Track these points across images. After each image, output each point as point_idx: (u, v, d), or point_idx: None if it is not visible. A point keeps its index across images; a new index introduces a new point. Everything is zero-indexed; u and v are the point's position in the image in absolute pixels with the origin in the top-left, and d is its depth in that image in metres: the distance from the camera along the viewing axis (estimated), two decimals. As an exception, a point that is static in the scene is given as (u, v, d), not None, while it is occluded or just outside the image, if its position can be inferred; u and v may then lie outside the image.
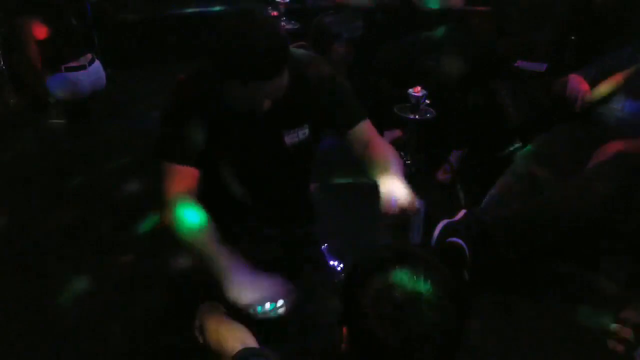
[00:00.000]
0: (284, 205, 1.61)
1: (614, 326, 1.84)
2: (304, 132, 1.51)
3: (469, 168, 2.79)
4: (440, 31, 3.04)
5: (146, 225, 2.52)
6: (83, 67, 3.29)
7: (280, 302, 1.26)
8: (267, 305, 1.26)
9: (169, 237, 2.24)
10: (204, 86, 1.42)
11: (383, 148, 1.54)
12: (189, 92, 1.43)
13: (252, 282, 1.27)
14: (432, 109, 2.37)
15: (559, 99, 2.28)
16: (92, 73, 3.35)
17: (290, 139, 1.49)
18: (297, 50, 1.56)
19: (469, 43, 2.86)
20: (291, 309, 1.28)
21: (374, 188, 1.50)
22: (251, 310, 1.25)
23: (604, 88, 2.19)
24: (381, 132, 3.09)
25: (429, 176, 2.78)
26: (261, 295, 1.26)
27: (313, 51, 3.69)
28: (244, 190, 1.54)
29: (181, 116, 1.41)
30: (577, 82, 2.20)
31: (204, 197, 1.44)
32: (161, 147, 1.42)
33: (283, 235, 1.63)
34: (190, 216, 1.37)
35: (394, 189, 1.40)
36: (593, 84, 2.20)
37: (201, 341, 1.39)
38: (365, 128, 1.56)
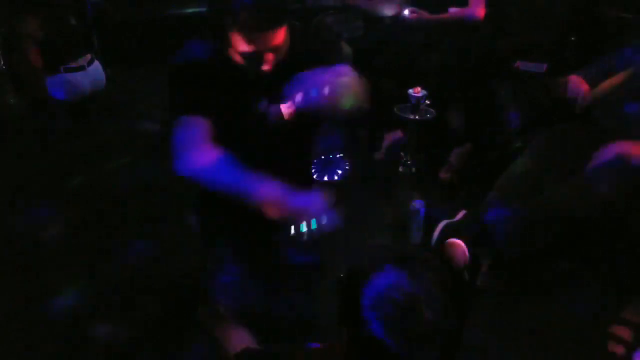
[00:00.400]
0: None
1: (613, 327, 1.84)
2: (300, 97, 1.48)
3: (469, 168, 2.79)
4: (440, 31, 3.04)
5: (147, 225, 2.52)
6: (82, 68, 3.29)
7: (323, 218, 1.21)
8: (310, 223, 1.19)
9: (169, 237, 2.25)
10: (206, 51, 1.44)
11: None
12: (192, 55, 1.46)
13: (286, 196, 1.23)
14: (432, 109, 2.37)
15: (559, 99, 2.28)
16: (92, 74, 3.35)
17: (286, 108, 1.47)
18: (299, 27, 1.55)
19: (469, 43, 2.85)
20: (337, 226, 1.22)
21: (374, 188, 1.49)
22: (293, 230, 1.21)
23: (604, 89, 2.18)
24: (382, 133, 3.10)
25: (429, 176, 2.78)
26: (300, 208, 1.22)
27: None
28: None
29: (186, 77, 1.44)
30: (577, 83, 2.20)
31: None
32: (173, 107, 1.43)
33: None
34: (204, 155, 1.35)
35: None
36: (593, 84, 2.20)
37: (202, 341, 1.39)
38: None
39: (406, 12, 2.95)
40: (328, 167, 1.39)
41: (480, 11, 2.82)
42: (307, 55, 1.47)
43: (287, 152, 1.55)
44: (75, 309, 2.06)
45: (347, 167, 1.34)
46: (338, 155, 1.39)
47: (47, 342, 1.89)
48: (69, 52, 3.25)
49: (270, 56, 1.34)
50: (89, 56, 3.34)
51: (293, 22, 1.42)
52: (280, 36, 1.32)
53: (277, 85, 1.42)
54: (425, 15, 2.94)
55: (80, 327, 1.96)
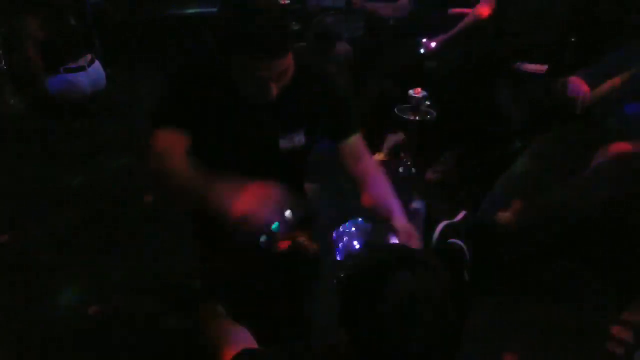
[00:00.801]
0: None
1: (614, 327, 1.84)
2: (299, 139, 1.47)
3: (469, 169, 2.79)
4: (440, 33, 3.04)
5: (147, 225, 2.52)
6: (82, 68, 3.30)
7: (287, 213, 1.18)
8: (271, 224, 1.15)
9: (170, 238, 2.26)
10: (207, 70, 1.41)
11: (378, 177, 1.53)
12: (191, 73, 1.43)
13: (244, 191, 1.21)
14: (432, 110, 2.37)
15: (559, 100, 2.28)
16: (92, 74, 3.36)
17: (284, 143, 1.46)
18: (303, 50, 1.55)
19: (470, 44, 2.86)
20: (300, 216, 1.19)
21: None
22: (259, 236, 1.18)
23: (604, 89, 2.19)
24: (383, 134, 3.11)
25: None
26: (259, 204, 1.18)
27: (313, 51, 3.72)
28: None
29: (178, 94, 1.40)
30: (577, 84, 2.20)
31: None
32: (154, 118, 1.40)
33: None
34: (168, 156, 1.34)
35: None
36: (593, 85, 2.20)
37: (201, 342, 1.39)
38: (357, 142, 1.55)
39: (427, 45, 2.98)
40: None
41: (485, 11, 2.83)
42: (308, 82, 1.45)
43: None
44: (75, 308, 2.06)
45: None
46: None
47: (48, 342, 1.90)
48: (69, 53, 3.26)
49: (275, 84, 1.31)
50: (89, 56, 3.35)
51: (298, 46, 1.41)
52: (285, 63, 1.30)
53: (279, 111, 1.41)
54: (441, 39, 2.97)
55: (80, 327, 1.97)
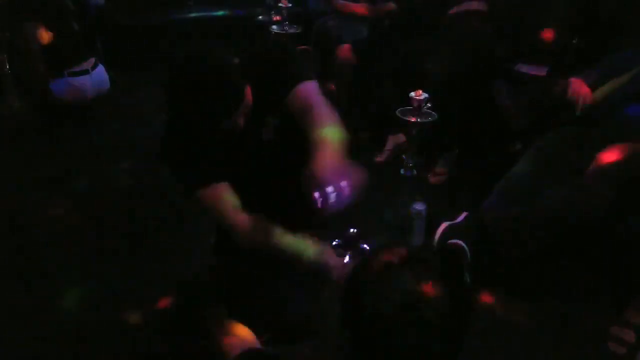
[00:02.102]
0: (283, 208, 1.59)
1: (615, 328, 1.84)
2: (275, 122, 1.53)
3: (470, 170, 2.79)
4: (440, 34, 3.05)
5: (149, 227, 2.53)
6: (86, 72, 3.30)
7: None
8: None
9: (173, 240, 2.26)
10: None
11: (324, 116, 1.39)
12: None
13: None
14: (433, 112, 2.38)
15: (559, 101, 2.28)
16: (96, 77, 3.36)
17: (266, 135, 1.53)
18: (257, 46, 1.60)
19: (470, 46, 2.86)
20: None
21: (373, 191, 1.49)
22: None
23: (605, 91, 2.19)
24: (385, 136, 3.11)
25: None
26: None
27: (315, 55, 3.72)
28: (247, 203, 1.55)
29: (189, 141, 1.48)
30: (578, 85, 2.20)
31: None
32: (191, 180, 1.50)
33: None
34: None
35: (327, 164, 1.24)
36: (594, 87, 2.20)
37: (204, 342, 1.40)
38: (305, 89, 1.44)
39: None
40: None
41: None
42: (268, 71, 1.50)
43: (278, 182, 1.59)
44: (78, 310, 2.07)
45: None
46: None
47: (50, 342, 1.90)
48: (73, 56, 3.27)
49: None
50: (92, 60, 3.35)
51: (304, 49, 1.44)
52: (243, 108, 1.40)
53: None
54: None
55: (82, 328, 1.97)
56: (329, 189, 1.18)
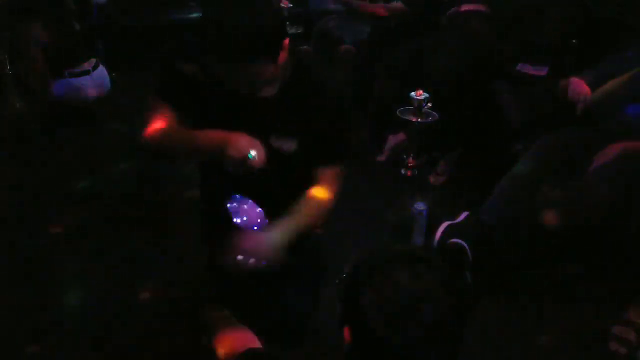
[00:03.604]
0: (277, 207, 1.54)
1: (616, 327, 1.84)
2: (289, 145, 1.44)
3: (470, 170, 2.80)
4: (441, 34, 3.05)
5: (152, 228, 2.53)
6: (87, 73, 3.30)
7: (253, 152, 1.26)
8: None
9: (175, 240, 2.27)
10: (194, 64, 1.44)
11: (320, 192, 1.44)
12: (179, 68, 1.47)
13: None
14: (434, 112, 2.38)
15: (560, 101, 2.28)
16: (97, 78, 3.36)
17: (276, 143, 1.43)
18: (312, 57, 1.54)
19: (469, 45, 2.86)
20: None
21: (374, 191, 1.49)
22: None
23: (605, 90, 2.19)
24: (385, 136, 3.11)
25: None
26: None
27: (316, 54, 3.72)
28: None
29: (177, 78, 1.46)
30: (578, 85, 2.20)
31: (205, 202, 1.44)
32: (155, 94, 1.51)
33: None
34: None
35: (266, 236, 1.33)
36: (594, 86, 2.20)
37: (204, 342, 1.40)
38: (329, 173, 1.47)
39: None
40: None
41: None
42: (307, 90, 1.42)
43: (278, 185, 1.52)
44: (78, 310, 2.07)
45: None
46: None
47: (51, 342, 1.91)
48: (74, 57, 3.27)
49: (260, 85, 1.32)
50: (93, 60, 3.36)
51: (300, 49, 1.40)
52: (259, 70, 1.28)
53: (274, 109, 1.41)
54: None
55: (82, 329, 1.98)
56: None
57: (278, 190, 1.47)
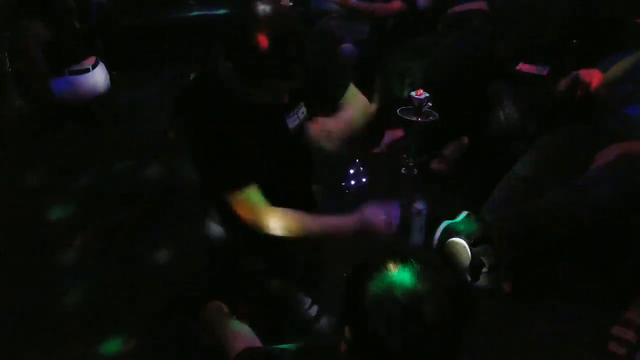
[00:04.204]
0: (291, 200, 1.60)
1: (615, 328, 1.84)
2: (302, 111, 1.52)
3: (471, 170, 2.80)
4: (440, 34, 3.05)
5: (152, 226, 2.53)
6: (87, 71, 3.30)
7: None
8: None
9: (175, 239, 2.27)
10: (213, 98, 1.44)
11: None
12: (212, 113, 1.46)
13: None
14: (434, 112, 2.38)
15: (562, 99, 2.28)
16: (96, 76, 3.37)
17: (291, 122, 1.50)
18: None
19: (471, 45, 2.86)
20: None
21: (376, 190, 1.53)
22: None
23: (616, 71, 2.18)
24: (382, 129, 3.12)
25: (431, 177, 2.79)
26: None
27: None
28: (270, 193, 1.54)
29: (222, 141, 1.44)
30: (587, 71, 2.19)
31: None
32: (229, 180, 1.46)
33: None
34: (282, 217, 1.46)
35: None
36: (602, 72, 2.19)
37: (205, 341, 1.40)
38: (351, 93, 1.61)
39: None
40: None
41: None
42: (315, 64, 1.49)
43: (291, 174, 1.60)
44: (78, 307, 2.07)
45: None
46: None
47: (52, 342, 1.91)
48: (74, 55, 3.27)
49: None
50: (93, 59, 3.36)
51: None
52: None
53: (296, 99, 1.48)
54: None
55: (82, 325, 1.98)
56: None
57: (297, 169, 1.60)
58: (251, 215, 1.46)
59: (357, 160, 1.50)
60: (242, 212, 1.46)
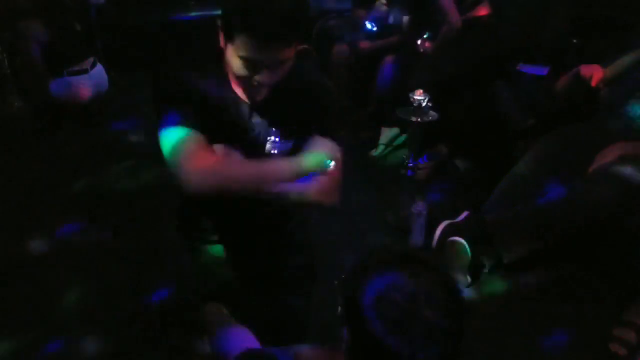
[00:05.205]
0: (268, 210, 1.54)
1: (616, 328, 1.84)
2: (287, 147, 1.45)
3: (472, 170, 2.80)
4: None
5: (150, 227, 2.53)
6: (85, 71, 3.30)
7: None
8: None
9: (172, 238, 2.27)
10: (191, 73, 1.39)
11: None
12: (177, 82, 1.39)
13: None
14: (434, 112, 2.38)
15: (562, 99, 2.28)
16: (95, 77, 3.37)
17: (270, 147, 1.44)
18: (307, 64, 1.54)
19: (471, 45, 2.87)
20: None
21: (374, 191, 1.50)
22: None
23: (618, 66, 2.17)
24: (379, 130, 3.12)
25: (431, 177, 2.79)
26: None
27: (315, 53, 3.73)
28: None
29: (181, 96, 1.36)
30: (588, 66, 2.19)
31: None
32: (164, 117, 1.35)
33: (274, 235, 1.59)
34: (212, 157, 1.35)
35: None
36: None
37: (204, 342, 1.40)
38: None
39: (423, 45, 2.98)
40: None
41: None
42: (299, 89, 1.42)
43: None
44: (78, 309, 2.07)
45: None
46: None
47: (49, 343, 1.91)
48: (73, 56, 3.27)
49: (266, 71, 1.29)
50: (92, 59, 3.36)
51: (305, 48, 1.38)
52: (282, 52, 1.26)
53: (270, 114, 1.41)
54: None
55: (82, 327, 1.98)
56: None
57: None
58: (176, 156, 1.32)
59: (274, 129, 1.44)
60: (166, 152, 1.34)
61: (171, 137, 1.32)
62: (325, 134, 1.43)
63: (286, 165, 1.34)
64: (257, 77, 1.29)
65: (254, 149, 1.43)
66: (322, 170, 1.32)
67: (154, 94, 1.42)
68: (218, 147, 1.39)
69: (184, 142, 1.31)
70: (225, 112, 1.40)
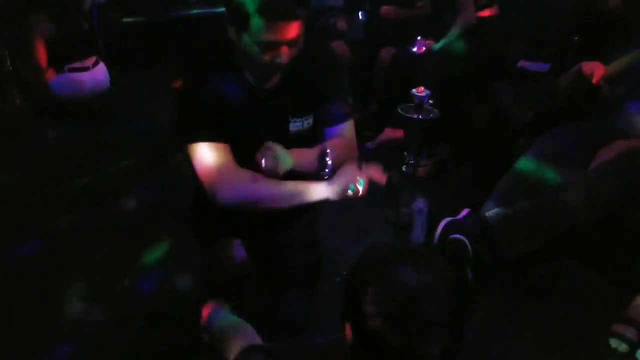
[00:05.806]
0: None
1: (616, 325, 1.84)
2: (308, 122, 1.51)
3: (472, 167, 2.80)
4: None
5: (152, 225, 2.53)
6: (87, 69, 3.31)
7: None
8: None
9: (175, 237, 2.27)
10: (204, 74, 1.43)
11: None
12: (194, 82, 1.45)
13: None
14: (435, 109, 2.38)
15: (564, 96, 2.28)
16: (96, 74, 3.37)
17: (294, 126, 1.50)
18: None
19: (473, 43, 2.87)
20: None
21: (376, 190, 1.52)
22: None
23: (619, 64, 2.18)
24: (380, 127, 3.12)
25: (432, 175, 2.79)
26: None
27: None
28: None
29: (195, 103, 1.42)
30: (589, 64, 2.19)
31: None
32: (190, 133, 1.42)
33: (284, 232, 1.61)
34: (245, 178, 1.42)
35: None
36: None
37: (206, 340, 1.40)
38: (341, 130, 1.55)
39: (421, 44, 2.99)
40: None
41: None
42: (311, 71, 1.48)
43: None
44: (78, 309, 2.07)
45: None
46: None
47: (49, 343, 1.91)
48: (74, 53, 3.27)
49: (285, 49, 1.33)
50: (93, 57, 3.36)
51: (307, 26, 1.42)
52: (296, 29, 1.32)
53: (287, 95, 1.46)
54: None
55: (82, 327, 1.98)
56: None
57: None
58: (206, 172, 1.40)
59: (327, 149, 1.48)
60: (198, 167, 1.41)
61: (202, 153, 1.39)
62: (339, 95, 1.53)
63: (317, 189, 1.41)
64: (277, 59, 1.33)
65: (276, 134, 1.47)
66: (351, 195, 1.41)
67: (177, 107, 1.47)
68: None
69: (214, 158, 1.38)
70: (244, 104, 1.44)
